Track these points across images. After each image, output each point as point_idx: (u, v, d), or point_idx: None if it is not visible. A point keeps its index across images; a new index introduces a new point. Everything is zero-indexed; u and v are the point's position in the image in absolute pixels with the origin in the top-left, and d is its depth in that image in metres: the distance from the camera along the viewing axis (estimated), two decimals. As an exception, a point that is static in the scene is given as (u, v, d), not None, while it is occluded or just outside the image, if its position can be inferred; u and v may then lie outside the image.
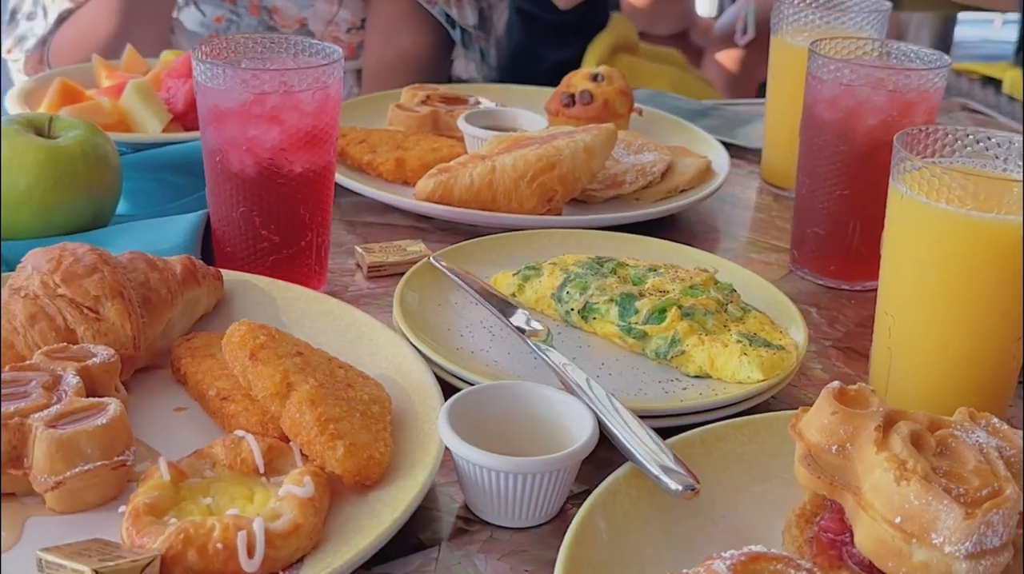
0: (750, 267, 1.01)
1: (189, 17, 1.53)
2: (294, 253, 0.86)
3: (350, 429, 0.63)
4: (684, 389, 0.75)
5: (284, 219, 0.84)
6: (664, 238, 0.97)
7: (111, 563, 0.53)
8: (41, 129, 0.92)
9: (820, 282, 1.00)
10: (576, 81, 1.29)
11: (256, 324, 0.69)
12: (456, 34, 1.63)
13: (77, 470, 0.60)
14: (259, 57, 0.85)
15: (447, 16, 1.61)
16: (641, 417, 0.68)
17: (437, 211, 1.03)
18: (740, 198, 1.23)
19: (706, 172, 1.18)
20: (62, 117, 0.94)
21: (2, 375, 0.64)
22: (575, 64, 1.99)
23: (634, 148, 1.19)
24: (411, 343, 0.75)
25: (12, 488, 0.61)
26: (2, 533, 0.59)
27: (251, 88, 0.78)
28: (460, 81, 1.66)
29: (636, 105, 1.30)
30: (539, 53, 2.11)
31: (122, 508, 0.59)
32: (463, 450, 0.62)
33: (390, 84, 1.51)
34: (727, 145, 1.34)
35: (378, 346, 0.76)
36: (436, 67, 1.67)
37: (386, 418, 0.67)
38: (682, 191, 1.14)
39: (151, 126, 1.08)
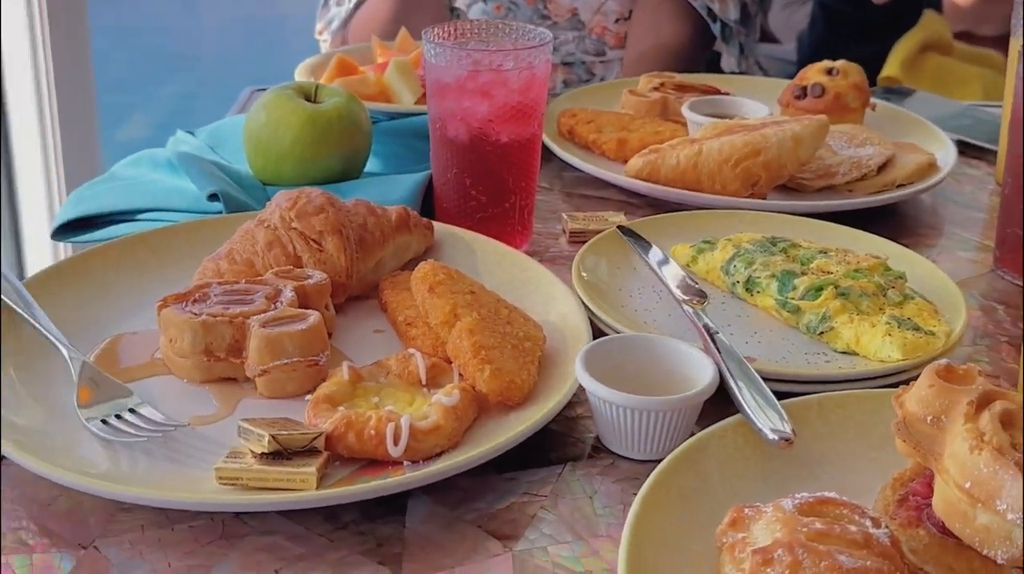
0: (952, 263, 1.01)
1: (477, 11, 1.68)
2: (499, 212, 0.97)
3: (499, 357, 0.73)
4: (827, 362, 0.79)
5: (491, 182, 0.96)
6: (876, 233, 0.99)
7: (285, 433, 0.66)
8: (308, 95, 1.10)
9: (1017, 282, 0.98)
10: (810, 74, 1.31)
11: (439, 265, 0.81)
12: (716, 28, 1.68)
13: (279, 363, 0.74)
14: (484, 40, 0.96)
15: (709, 10, 1.67)
16: (776, 380, 0.73)
17: (643, 188, 1.11)
18: (970, 198, 1.20)
19: (928, 168, 1.17)
20: (326, 86, 1.11)
21: (237, 286, 0.80)
22: (878, 62, 1.96)
23: (857, 141, 1.20)
24: (577, 295, 0.84)
25: (232, 373, 0.76)
26: (221, 407, 0.74)
27: (465, 66, 0.90)
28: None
29: (872, 100, 1.30)
30: (840, 49, 2.11)
31: (309, 396, 0.72)
32: (591, 385, 0.70)
33: (648, 70, 1.59)
34: (969, 145, 1.31)
35: (550, 296, 0.85)
36: (693, 59, 1.73)
37: (536, 353, 0.76)
38: (899, 186, 1.14)
39: (405, 98, 1.23)
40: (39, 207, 2.80)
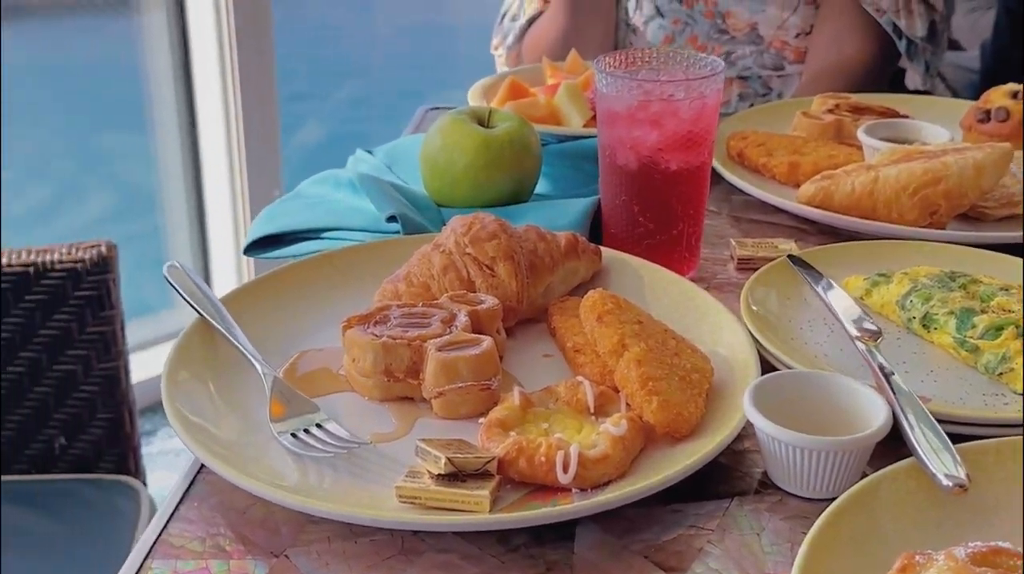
0: None
1: (654, 27, 1.67)
2: (666, 239, 0.98)
3: (667, 388, 0.75)
4: (1006, 405, 0.77)
5: (659, 209, 0.97)
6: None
7: (460, 456, 0.69)
8: (482, 120, 1.13)
9: None
10: (994, 97, 1.27)
11: (607, 293, 0.83)
12: (902, 45, 1.64)
13: (454, 386, 0.77)
14: (655, 68, 0.98)
15: (894, 26, 1.62)
16: (951, 422, 0.72)
17: (816, 215, 1.10)
18: None
19: (1123, 198, 1.11)
20: (499, 110, 1.14)
21: (415, 310, 0.84)
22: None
23: (1044, 168, 1.15)
24: (746, 327, 0.84)
25: (410, 393, 0.80)
26: (399, 425, 0.78)
27: (636, 96, 0.92)
28: (904, 92, 1.67)
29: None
30: (1026, 59, 2.01)
31: (481, 420, 0.75)
32: (761, 422, 0.71)
33: (828, 89, 1.57)
34: None
35: (717, 326, 0.86)
36: (876, 77, 1.68)
37: (704, 386, 0.77)
38: (1090, 217, 1.09)
39: (574, 121, 1.26)
40: (225, 219, 2.96)
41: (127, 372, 1.48)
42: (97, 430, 1.47)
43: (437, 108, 1.50)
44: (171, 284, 0.91)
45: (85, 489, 1.40)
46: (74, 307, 1.45)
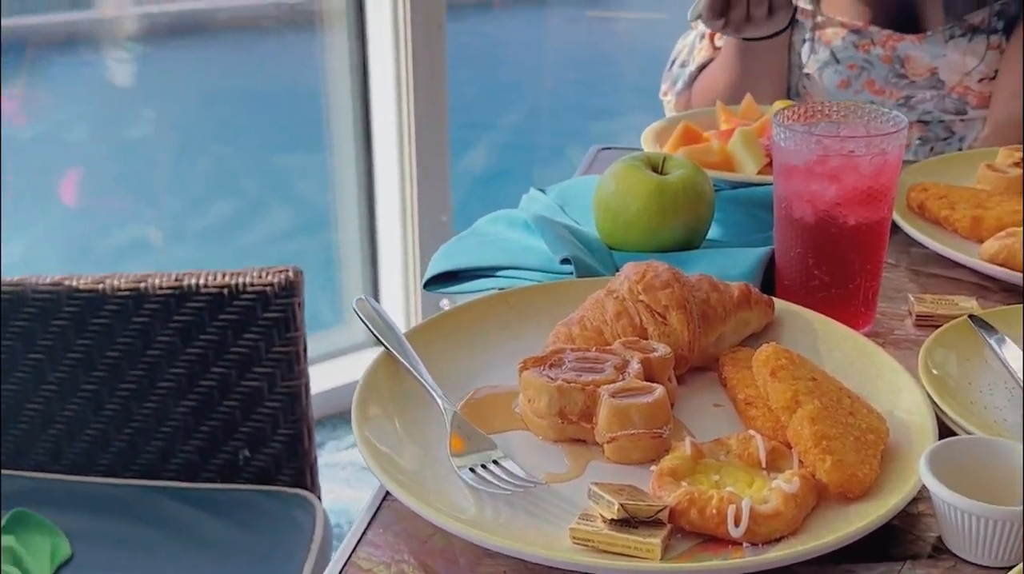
0: None
1: (830, 73, 1.66)
2: (842, 293, 0.98)
3: (841, 448, 0.75)
4: None
5: (835, 263, 0.97)
6: None
7: (633, 502, 0.71)
8: (656, 165, 1.16)
9: None
10: None
11: (781, 348, 0.83)
12: None
13: (626, 432, 0.80)
14: (834, 122, 0.98)
15: None
16: None
17: (999, 273, 1.07)
18: None
19: None
20: (673, 157, 1.16)
21: (589, 354, 0.87)
22: None
23: None
24: (923, 387, 0.84)
25: (583, 436, 0.83)
26: (572, 466, 0.81)
27: (814, 151, 0.92)
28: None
29: None
30: None
31: (653, 467, 0.77)
32: (937, 488, 0.70)
33: (1014, 141, 1.52)
34: None
35: (894, 385, 0.85)
36: None
37: (879, 447, 0.77)
38: None
39: (748, 168, 1.26)
40: (395, 239, 3.06)
41: (307, 391, 1.57)
42: (278, 444, 1.56)
43: (609, 148, 1.53)
44: (360, 318, 0.97)
45: (265, 500, 1.49)
46: (262, 327, 1.54)
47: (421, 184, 2.97)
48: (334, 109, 3.22)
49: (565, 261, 1.08)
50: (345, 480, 2.68)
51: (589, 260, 1.09)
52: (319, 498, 1.52)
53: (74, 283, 1.56)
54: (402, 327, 0.95)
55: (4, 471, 1.57)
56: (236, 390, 1.56)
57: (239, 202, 4.80)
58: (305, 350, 1.57)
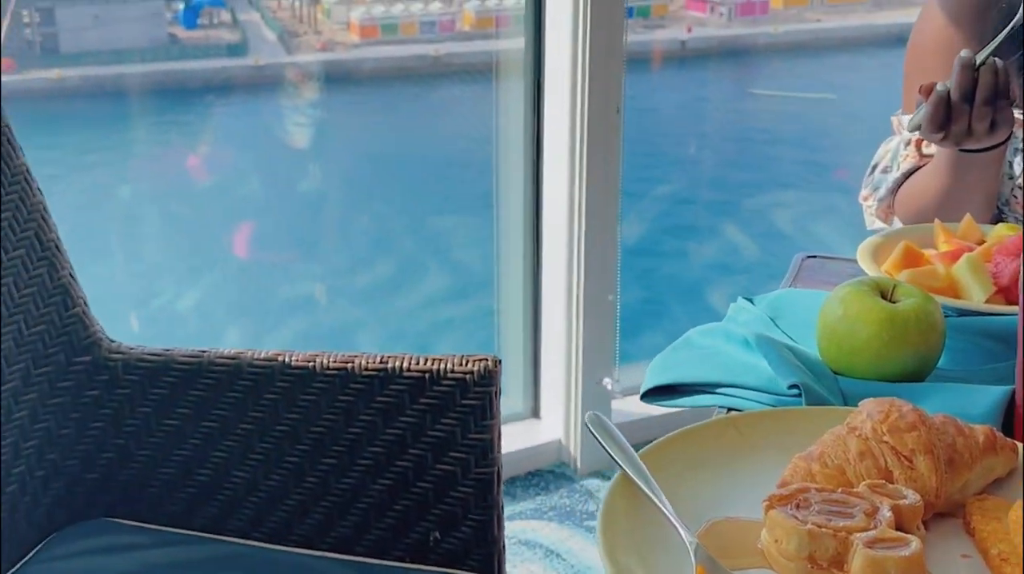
0: None
1: None
2: (1090, 442, 0.95)
3: (1117, 625, 0.73)
4: None
5: (1087, 412, 0.94)
6: None
7: (899, 665, 0.71)
8: (885, 292, 1.15)
9: None
10: None
11: (1045, 508, 0.82)
12: None
13: (881, 585, 0.79)
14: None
15: None
16: None
17: None
18: None
19: None
20: (903, 284, 1.15)
21: (835, 496, 0.87)
22: None
23: None
24: None
25: (832, 582, 0.83)
26: (819, 612, 0.81)
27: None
28: None
29: None
30: None
31: (909, 625, 0.76)
32: None
33: None
34: None
35: None
36: None
37: None
38: None
39: (975, 296, 1.24)
40: (558, 312, 3.09)
41: (499, 478, 1.60)
42: (468, 529, 1.59)
43: (814, 257, 1.53)
44: (594, 436, 1.00)
45: (454, 586, 1.52)
46: (460, 414, 1.59)
47: (589, 259, 3.01)
48: (504, 171, 3.27)
49: (793, 386, 1.09)
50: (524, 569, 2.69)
51: (817, 387, 1.09)
52: (506, 584, 1.54)
53: (286, 359, 1.64)
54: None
55: (205, 535, 1.65)
56: (431, 473, 1.61)
57: (401, 261, 4.94)
58: (499, 438, 1.60)
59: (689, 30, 6.64)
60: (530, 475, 3.05)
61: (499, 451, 1.61)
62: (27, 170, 1.62)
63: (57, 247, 1.65)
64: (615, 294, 3.06)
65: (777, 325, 1.29)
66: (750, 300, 1.36)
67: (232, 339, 4.38)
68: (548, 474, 3.06)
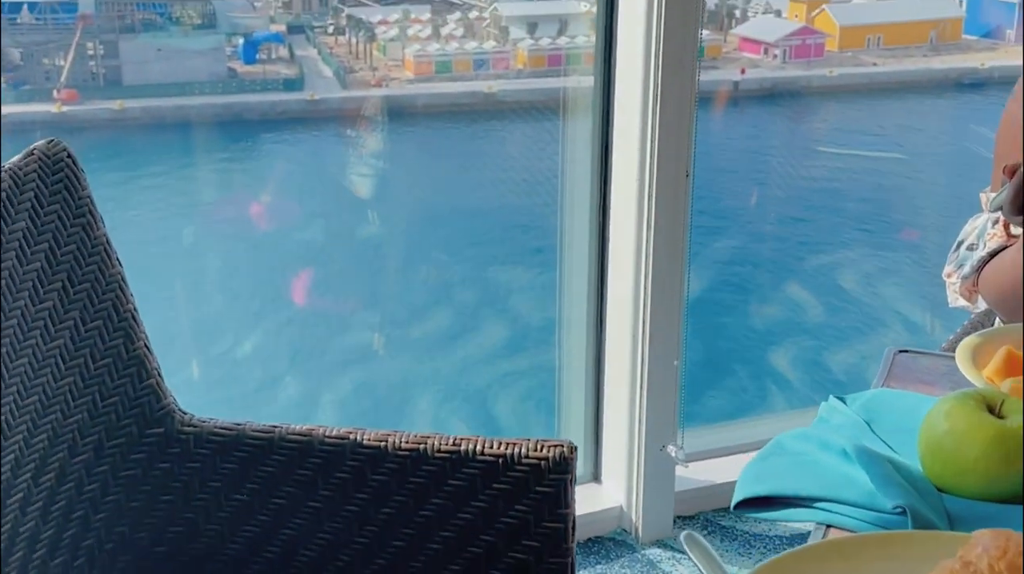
0: None
1: None
2: None
3: None
4: None
5: None
6: None
7: None
8: (992, 406, 1.10)
9: None
10: None
11: None
12: None
13: None
14: None
15: None
16: None
17: None
18: None
19: None
20: (1011, 399, 1.10)
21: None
22: None
23: None
24: None
25: None
26: None
27: None
28: None
29: None
30: None
31: None
32: None
33: None
34: None
35: None
36: None
37: None
38: None
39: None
40: (622, 389, 3.04)
41: (573, 568, 1.56)
42: (539, 619, 1.55)
43: (906, 351, 1.48)
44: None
45: None
46: (533, 501, 1.55)
47: (654, 323, 2.96)
48: (568, 224, 3.24)
49: (898, 506, 1.04)
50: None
51: (924, 510, 1.04)
52: None
53: (358, 437, 1.62)
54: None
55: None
56: (502, 561, 1.57)
57: (459, 312, 4.92)
58: (574, 527, 1.56)
59: (743, 71, 6.62)
60: (590, 542, 2.99)
61: (573, 541, 1.57)
62: (107, 240, 1.63)
63: (133, 318, 1.65)
64: (680, 359, 3.01)
65: (873, 430, 1.24)
66: (842, 399, 1.31)
67: (290, 389, 4.39)
68: (608, 542, 3.00)
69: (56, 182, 1.57)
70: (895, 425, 1.24)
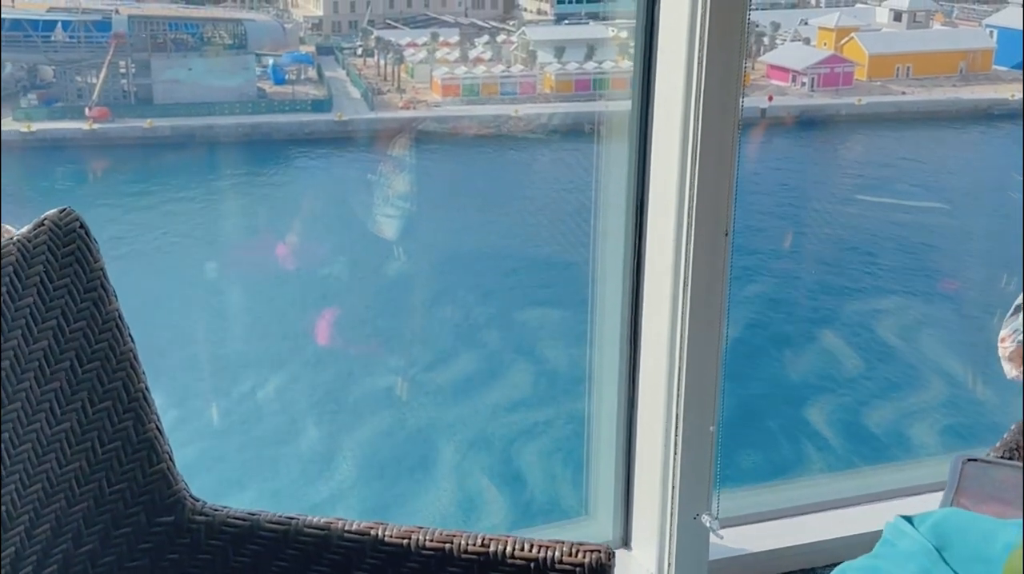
0: None
1: None
2: None
3: None
4: None
5: None
6: None
7: None
8: (1091, 553, 0.98)
9: None
10: None
11: None
12: None
13: None
14: None
15: None
16: None
17: None
18: None
19: None
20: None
21: None
22: None
23: None
24: None
25: None
26: None
27: None
28: None
29: None
30: None
31: None
32: None
33: None
34: None
35: None
36: None
37: None
38: None
39: None
40: (655, 453, 2.92)
41: None
42: None
43: (975, 460, 1.36)
44: None
45: None
46: (568, 608, 1.44)
47: (689, 387, 2.85)
48: (600, 271, 3.13)
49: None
50: None
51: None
52: None
53: (380, 533, 1.51)
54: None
55: None
56: (532, 673, 1.46)
57: (482, 357, 4.83)
58: (610, 637, 1.45)
59: (770, 99, 6.53)
60: (618, 613, 2.86)
61: (609, 650, 1.45)
62: (119, 315, 1.54)
63: (144, 397, 1.56)
64: (716, 425, 2.89)
65: (944, 559, 1.12)
66: (909, 521, 1.19)
67: (311, 436, 4.30)
68: (638, 613, 2.87)
69: (67, 254, 1.49)
70: (971, 553, 1.12)
